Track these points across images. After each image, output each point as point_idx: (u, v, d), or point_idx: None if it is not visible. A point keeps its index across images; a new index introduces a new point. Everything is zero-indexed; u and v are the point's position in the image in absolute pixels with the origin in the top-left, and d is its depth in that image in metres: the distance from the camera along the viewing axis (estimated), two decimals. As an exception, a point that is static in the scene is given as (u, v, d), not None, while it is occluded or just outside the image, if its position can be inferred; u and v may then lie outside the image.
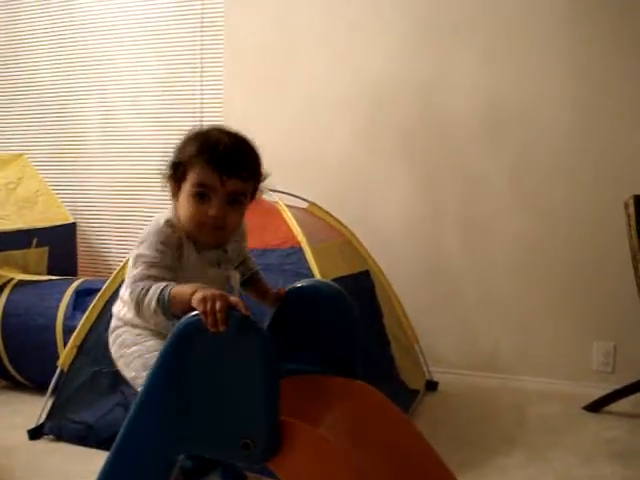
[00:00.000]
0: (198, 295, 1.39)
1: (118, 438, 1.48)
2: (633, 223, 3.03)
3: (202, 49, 4.38)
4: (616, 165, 3.60)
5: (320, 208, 3.41)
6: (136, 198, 4.52)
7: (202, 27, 4.37)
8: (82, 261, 4.54)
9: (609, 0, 3.60)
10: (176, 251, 1.64)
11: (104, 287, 2.92)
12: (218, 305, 1.35)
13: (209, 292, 1.39)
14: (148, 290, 1.53)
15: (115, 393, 2.76)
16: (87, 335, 2.90)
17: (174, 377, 1.40)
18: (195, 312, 1.38)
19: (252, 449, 1.33)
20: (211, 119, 4.27)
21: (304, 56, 4.09)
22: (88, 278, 3.67)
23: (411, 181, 3.96)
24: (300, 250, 2.75)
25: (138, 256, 1.61)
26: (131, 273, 1.60)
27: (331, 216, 3.43)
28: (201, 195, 1.63)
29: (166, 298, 1.50)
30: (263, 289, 1.87)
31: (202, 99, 4.38)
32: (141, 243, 1.63)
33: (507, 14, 3.77)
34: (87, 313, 2.91)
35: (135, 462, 1.49)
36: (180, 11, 4.43)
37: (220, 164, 1.61)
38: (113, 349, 1.83)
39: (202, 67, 4.39)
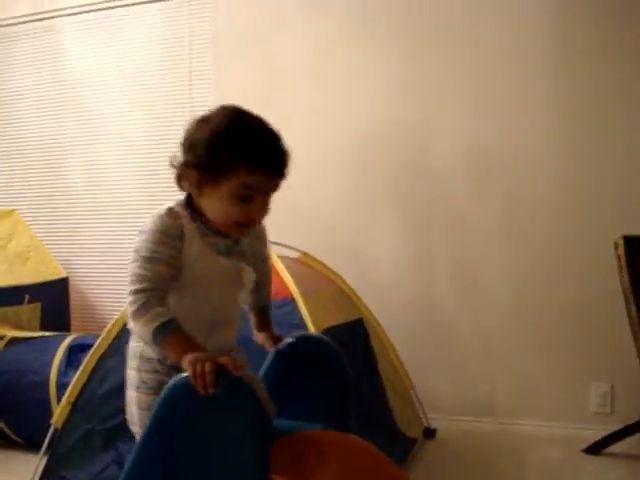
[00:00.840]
0: (189, 357, 1.37)
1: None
2: (624, 264, 3.04)
3: (191, 101, 4.41)
4: (604, 208, 3.62)
5: (312, 258, 3.42)
6: (128, 250, 4.49)
7: (190, 79, 4.41)
8: (75, 316, 4.52)
9: (595, 48, 3.65)
10: (179, 239, 1.56)
11: (97, 342, 2.90)
12: (208, 367, 1.34)
13: (201, 354, 1.37)
14: (145, 313, 1.46)
15: (109, 451, 2.73)
16: (81, 392, 2.86)
17: (164, 441, 1.38)
18: (185, 374, 1.37)
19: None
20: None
21: (293, 106, 4.12)
22: (81, 334, 3.66)
23: (401, 228, 3.97)
24: (292, 301, 2.75)
25: (136, 250, 1.56)
26: (130, 268, 1.55)
27: (323, 265, 3.43)
28: (245, 197, 1.56)
29: (159, 340, 1.46)
30: (266, 325, 1.84)
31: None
32: (140, 233, 1.58)
33: (494, 61, 3.81)
34: (80, 369, 2.88)
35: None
36: (168, 64, 4.47)
37: (272, 166, 1.57)
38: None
39: (192, 104, 4.42)
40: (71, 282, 4.49)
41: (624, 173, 3.62)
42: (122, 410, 2.65)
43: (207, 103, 4.34)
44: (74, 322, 4.46)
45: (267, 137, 1.59)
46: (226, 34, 4.31)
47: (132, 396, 1.65)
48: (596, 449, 3.31)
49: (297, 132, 4.02)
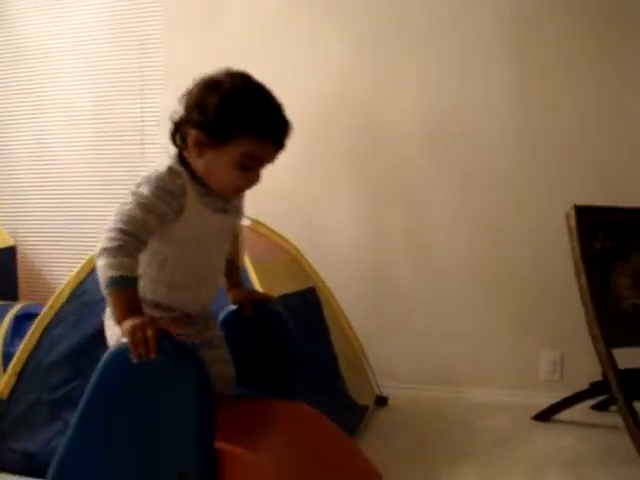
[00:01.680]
0: (127, 324, 1.37)
1: (51, 472, 1.43)
2: (575, 234, 3.05)
3: (141, 71, 4.33)
4: (563, 179, 3.65)
5: (264, 225, 3.38)
6: (75, 220, 4.44)
7: (140, 48, 4.32)
8: (23, 285, 4.44)
9: (555, 22, 3.67)
10: (178, 200, 1.56)
11: (43, 311, 2.84)
12: (149, 332, 1.34)
13: (138, 320, 1.37)
14: (114, 257, 1.46)
15: (56, 421, 2.67)
16: (27, 361, 2.81)
17: (105, 410, 1.36)
18: (123, 341, 1.35)
19: (187, 481, 1.29)
20: (152, 144, 4.25)
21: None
22: (28, 303, 3.58)
23: (356, 198, 3.96)
24: (244, 270, 2.71)
25: (134, 193, 1.54)
26: (119, 207, 1.54)
27: (275, 233, 3.40)
28: (247, 165, 1.59)
29: (109, 290, 1.46)
30: (236, 278, 1.86)
31: (142, 120, 4.32)
32: (139, 185, 1.56)
33: (452, 33, 3.80)
34: (26, 339, 2.82)
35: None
36: (117, 33, 4.38)
37: (275, 136, 1.60)
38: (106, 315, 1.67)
39: (143, 91, 4.34)
40: (19, 250, 4.40)
41: (580, 146, 3.65)
42: (69, 379, 2.66)
43: (157, 73, 4.27)
44: (22, 291, 4.39)
45: (276, 108, 1.63)
46: (176, 2, 4.23)
47: (107, 325, 1.66)
48: (545, 416, 3.36)
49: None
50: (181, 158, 1.62)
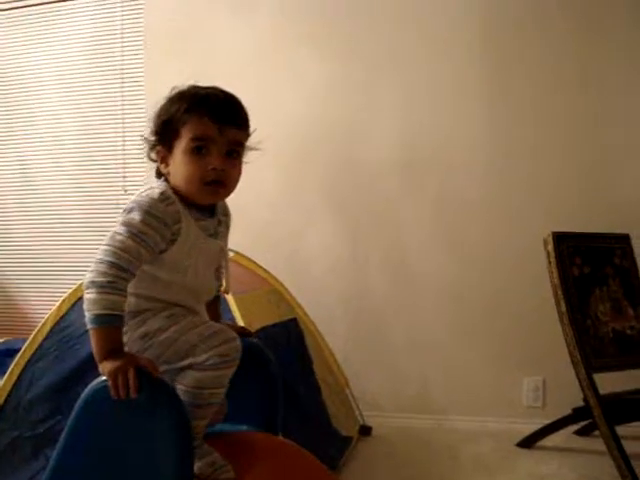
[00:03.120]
0: (108, 366, 1.37)
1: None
2: (553, 260, 3.08)
3: (123, 98, 4.34)
4: (534, 204, 3.68)
5: (244, 257, 3.38)
6: (57, 255, 4.43)
7: (122, 76, 4.35)
8: (2, 320, 4.41)
9: (528, 45, 3.73)
10: (173, 226, 1.54)
11: (24, 347, 2.81)
12: (130, 374, 1.35)
13: (120, 362, 1.37)
14: (102, 292, 1.43)
15: (38, 458, 2.64)
16: (7, 398, 2.78)
17: (83, 447, 1.36)
18: (102, 379, 1.35)
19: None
20: (134, 173, 4.26)
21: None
22: (8, 338, 3.56)
23: (334, 227, 3.98)
24: (224, 301, 2.71)
25: (126, 222, 1.50)
26: (111, 235, 1.50)
27: (257, 265, 3.40)
28: (199, 149, 1.56)
29: (93, 325, 1.43)
30: (216, 313, 1.83)
31: (124, 152, 4.33)
32: (130, 211, 1.52)
33: (425, 64, 3.86)
34: (6, 375, 2.80)
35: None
36: (99, 61, 4.41)
37: (217, 113, 1.58)
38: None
39: (124, 121, 4.35)
40: (-1, 284, 4.39)
41: (554, 170, 3.69)
42: (50, 416, 2.63)
43: (139, 100, 4.29)
44: (1, 325, 4.35)
45: (211, 91, 1.65)
46: (158, 31, 4.26)
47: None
48: (528, 443, 3.36)
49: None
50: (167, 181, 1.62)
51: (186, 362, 1.51)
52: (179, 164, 1.58)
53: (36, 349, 2.79)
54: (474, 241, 3.79)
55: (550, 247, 3.11)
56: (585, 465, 3.10)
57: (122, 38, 4.37)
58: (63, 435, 1.39)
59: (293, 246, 3.98)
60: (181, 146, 1.57)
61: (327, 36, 3.99)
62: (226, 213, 1.75)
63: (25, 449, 2.69)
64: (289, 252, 3.96)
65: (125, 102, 4.34)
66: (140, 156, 4.17)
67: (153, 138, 1.63)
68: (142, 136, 1.65)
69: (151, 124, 1.63)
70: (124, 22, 4.36)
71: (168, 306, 1.59)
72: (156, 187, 1.58)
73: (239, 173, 1.66)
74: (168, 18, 4.24)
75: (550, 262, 3.10)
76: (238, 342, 1.55)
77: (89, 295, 1.44)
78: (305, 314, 3.48)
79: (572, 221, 3.38)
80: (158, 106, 1.65)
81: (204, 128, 1.56)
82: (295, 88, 4.02)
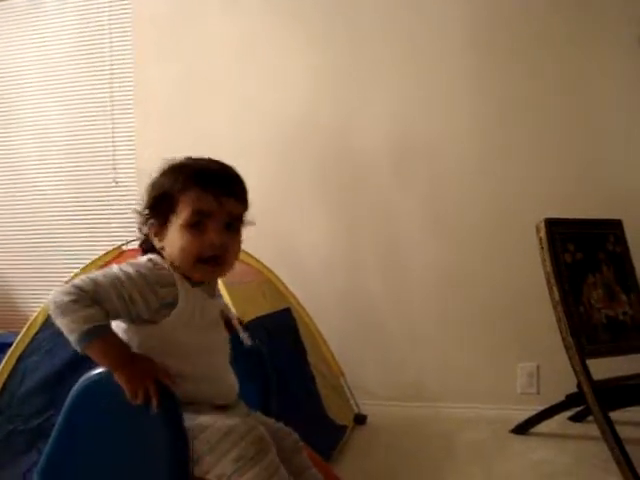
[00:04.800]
0: (125, 375, 1.34)
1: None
2: (545, 246, 3.08)
3: (112, 93, 4.32)
4: (528, 192, 3.69)
5: (238, 248, 3.37)
6: (49, 247, 4.42)
7: (111, 72, 4.32)
8: (-4, 313, 4.41)
9: (517, 35, 3.73)
10: (161, 289, 1.46)
11: (16, 341, 2.80)
12: (150, 389, 1.32)
13: (137, 372, 1.35)
14: (78, 310, 1.36)
15: (32, 451, 2.64)
16: (0, 392, 2.77)
17: (77, 436, 1.35)
18: (100, 370, 1.33)
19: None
20: (124, 167, 4.25)
21: (215, 102, 4.08)
22: (0, 332, 3.55)
23: (327, 218, 3.98)
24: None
25: (110, 269, 1.46)
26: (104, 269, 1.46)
27: (250, 256, 3.39)
28: (197, 224, 1.50)
29: (86, 344, 1.37)
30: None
31: (114, 142, 4.31)
32: (126, 266, 1.47)
33: (416, 52, 3.86)
34: (-1, 369, 2.80)
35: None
36: (88, 54, 4.39)
37: (215, 185, 1.51)
38: None
39: (113, 116, 4.33)
40: (-8, 279, 4.37)
41: (547, 158, 3.69)
42: (44, 409, 2.63)
43: (128, 92, 4.27)
44: (-5, 320, 4.34)
45: (208, 163, 1.57)
46: (147, 23, 4.25)
47: None
48: (523, 429, 3.37)
49: (219, 126, 4.02)
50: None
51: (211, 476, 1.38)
52: (175, 239, 1.51)
53: (29, 343, 2.78)
54: (467, 230, 3.79)
55: (542, 233, 3.10)
56: (579, 450, 3.11)
57: (110, 30, 4.35)
58: (55, 428, 1.39)
59: (286, 238, 3.98)
60: (178, 221, 1.51)
61: (317, 28, 3.99)
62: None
63: (19, 443, 2.68)
64: (282, 244, 3.95)
65: (114, 94, 4.32)
66: (130, 148, 4.19)
67: (146, 212, 1.56)
68: (135, 210, 1.59)
69: (144, 197, 1.57)
70: (112, 13, 4.34)
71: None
72: (147, 257, 1.54)
73: (239, 247, 1.59)
74: (157, 10, 4.23)
75: (542, 248, 3.09)
76: (258, 431, 1.43)
77: (62, 321, 1.38)
78: (299, 304, 3.48)
79: (566, 208, 3.38)
80: (151, 179, 1.57)
81: (203, 202, 1.50)
82: (285, 81, 4.02)
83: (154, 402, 1.31)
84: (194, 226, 1.50)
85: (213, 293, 1.61)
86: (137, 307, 1.43)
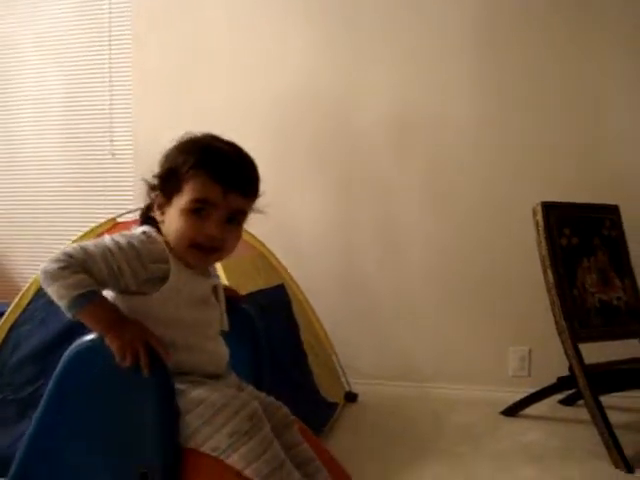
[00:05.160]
0: (115, 341, 1.33)
1: (14, 466, 1.42)
2: (541, 230, 3.08)
3: (110, 64, 4.29)
4: (525, 172, 3.68)
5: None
6: (43, 218, 4.40)
7: (110, 42, 4.29)
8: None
9: (515, 16, 3.70)
10: (152, 264, 1.45)
11: (9, 310, 2.81)
12: (141, 354, 1.32)
13: (127, 335, 1.34)
14: (68, 277, 1.35)
15: (24, 420, 2.64)
16: (-9, 362, 2.78)
17: (66, 408, 1.35)
18: (92, 336, 1.33)
19: (150, 479, 1.28)
20: (121, 137, 4.23)
21: (213, 70, 4.06)
22: (-6, 301, 3.54)
23: (324, 194, 3.96)
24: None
25: (102, 239, 1.44)
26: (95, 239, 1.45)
27: (245, 231, 3.38)
28: (198, 211, 1.47)
29: (77, 310, 1.36)
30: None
31: (111, 114, 4.29)
32: (119, 237, 1.45)
33: (416, 28, 3.82)
34: (-10, 338, 2.79)
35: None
36: (86, 23, 4.34)
37: (223, 176, 1.47)
38: None
39: (111, 87, 4.30)
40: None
41: (546, 140, 3.67)
42: (36, 378, 2.63)
43: (126, 63, 4.24)
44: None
45: (223, 150, 1.52)
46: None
47: None
48: (513, 411, 3.38)
49: (216, 99, 3.99)
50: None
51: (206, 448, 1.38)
52: (174, 219, 1.49)
53: (21, 312, 2.78)
54: (464, 210, 3.78)
55: (539, 217, 3.10)
56: (569, 434, 3.12)
57: (110, 1, 4.30)
58: (46, 394, 1.39)
59: (282, 213, 3.94)
60: (180, 203, 1.48)
61: (315, 2, 3.95)
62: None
63: (11, 411, 2.68)
64: (278, 219, 3.89)
65: (112, 65, 4.29)
66: (127, 120, 4.18)
67: (156, 182, 1.54)
68: (144, 178, 1.56)
69: (158, 165, 1.54)
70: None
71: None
72: (140, 229, 1.53)
73: (238, 240, 1.58)
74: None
75: (538, 232, 3.09)
76: (253, 406, 1.42)
77: (52, 288, 1.38)
78: (293, 280, 3.48)
79: (563, 192, 3.38)
80: (168, 149, 1.54)
81: (207, 191, 1.47)
82: (284, 55, 3.99)
83: (144, 366, 1.31)
84: (195, 212, 1.47)
85: (207, 273, 1.61)
86: (125, 278, 1.43)
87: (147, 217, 1.58)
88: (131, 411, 1.32)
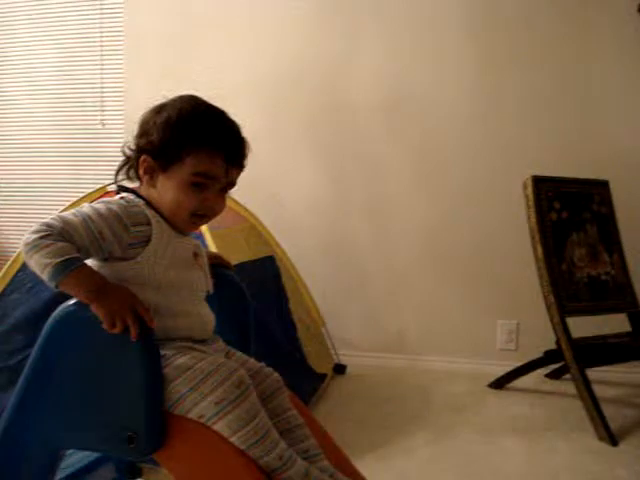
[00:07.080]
0: (101, 309, 1.32)
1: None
2: (531, 204, 3.09)
3: (102, 33, 4.25)
4: (516, 148, 3.67)
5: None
6: (32, 186, 4.38)
7: (102, 12, 4.25)
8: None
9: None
10: (133, 227, 1.43)
11: (-4, 279, 2.81)
12: (129, 321, 1.31)
13: (115, 304, 1.32)
14: (48, 245, 1.33)
15: (10, 390, 2.65)
16: (-20, 331, 2.78)
17: (53, 367, 1.36)
18: (74, 300, 1.33)
19: (136, 442, 1.29)
20: (112, 105, 4.21)
21: (205, 41, 4.03)
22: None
23: (316, 167, 3.95)
24: (200, 235, 2.69)
25: (81, 207, 1.42)
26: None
27: (234, 201, 3.38)
28: (199, 183, 1.47)
29: (60, 278, 1.33)
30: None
31: (102, 83, 4.26)
32: (97, 203, 1.44)
33: (406, 4, 3.79)
34: (-21, 307, 2.79)
35: (18, 454, 1.45)
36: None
37: (228, 152, 1.49)
38: None
39: (102, 56, 4.26)
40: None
41: (537, 116, 3.67)
42: (25, 346, 2.62)
43: (118, 32, 4.21)
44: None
45: (228, 124, 1.54)
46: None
47: None
48: (500, 384, 3.41)
49: (210, 69, 3.97)
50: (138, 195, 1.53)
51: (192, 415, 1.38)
52: (171, 189, 1.48)
53: (10, 281, 2.77)
54: (454, 185, 3.78)
55: (529, 190, 3.11)
56: (555, 406, 3.16)
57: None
58: (30, 360, 1.39)
59: (273, 187, 3.95)
60: (180, 174, 1.47)
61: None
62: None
63: (1, 379, 2.68)
64: (269, 193, 3.92)
65: (104, 34, 4.25)
66: (119, 90, 4.14)
67: (147, 147, 1.50)
68: (124, 144, 1.55)
69: (147, 133, 1.51)
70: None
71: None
72: (122, 195, 1.52)
73: (225, 206, 1.58)
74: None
75: (529, 205, 3.10)
76: (240, 374, 1.41)
77: (34, 258, 1.35)
78: (284, 253, 3.48)
79: (553, 167, 3.37)
80: (167, 114, 1.50)
81: (213, 167, 1.48)
82: (276, 30, 3.95)
83: (132, 331, 1.30)
84: (195, 184, 1.48)
85: (187, 233, 1.60)
86: (107, 243, 1.41)
87: (124, 188, 1.57)
88: (116, 376, 1.32)
